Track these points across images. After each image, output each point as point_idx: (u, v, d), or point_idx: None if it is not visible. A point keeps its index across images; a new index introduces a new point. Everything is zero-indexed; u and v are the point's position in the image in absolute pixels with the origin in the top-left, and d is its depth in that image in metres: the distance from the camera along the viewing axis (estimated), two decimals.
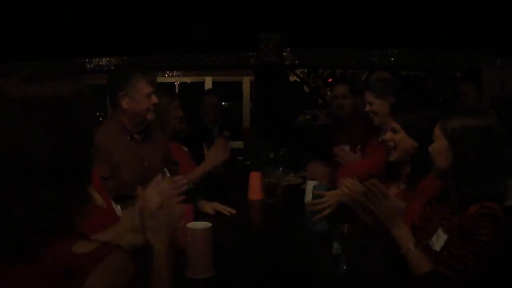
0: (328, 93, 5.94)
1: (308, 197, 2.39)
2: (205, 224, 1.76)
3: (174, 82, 7.14)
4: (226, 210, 2.58)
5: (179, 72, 6.67)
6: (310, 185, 2.44)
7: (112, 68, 5.32)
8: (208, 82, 6.86)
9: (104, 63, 5.47)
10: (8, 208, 0.90)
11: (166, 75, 6.79)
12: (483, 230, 1.48)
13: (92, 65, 5.49)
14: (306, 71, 6.06)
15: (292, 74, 5.80)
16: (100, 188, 1.82)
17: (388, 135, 2.24)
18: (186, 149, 3.18)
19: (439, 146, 1.65)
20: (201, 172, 2.82)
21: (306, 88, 6.39)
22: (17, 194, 0.91)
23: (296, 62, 5.27)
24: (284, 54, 5.17)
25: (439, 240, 1.61)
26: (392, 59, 5.13)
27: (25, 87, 0.95)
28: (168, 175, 2.45)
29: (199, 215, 2.31)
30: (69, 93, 0.98)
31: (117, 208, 1.89)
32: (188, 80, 7.22)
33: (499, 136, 1.59)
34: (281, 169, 3.07)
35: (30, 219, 0.91)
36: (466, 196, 1.57)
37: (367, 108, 2.83)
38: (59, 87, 0.98)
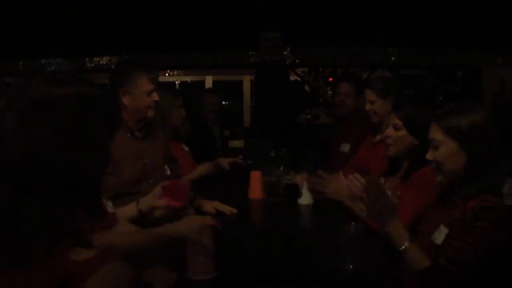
0: (329, 92, 5.94)
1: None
2: None
3: (175, 81, 7.14)
4: (226, 209, 2.57)
5: (179, 71, 6.67)
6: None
7: (113, 67, 5.32)
8: (209, 81, 6.86)
9: (104, 62, 5.47)
10: (15, 215, 0.85)
11: (167, 74, 6.79)
12: (484, 223, 1.48)
13: (92, 64, 5.49)
14: (306, 70, 6.06)
15: (292, 73, 5.80)
16: None
17: (389, 131, 2.24)
18: (187, 148, 3.18)
19: (447, 149, 1.63)
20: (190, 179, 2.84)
21: (306, 87, 6.39)
22: (27, 202, 0.86)
23: (297, 61, 5.26)
24: (285, 53, 5.16)
25: (440, 234, 1.61)
26: (393, 58, 5.12)
27: (50, 88, 0.91)
28: (169, 173, 2.45)
29: (200, 214, 2.31)
30: (92, 95, 0.96)
31: (108, 204, 1.89)
32: (188, 79, 7.22)
33: (495, 127, 1.63)
34: (281, 168, 3.07)
35: (36, 229, 0.86)
36: (469, 191, 1.58)
37: (368, 106, 2.80)
38: (83, 89, 0.95)
